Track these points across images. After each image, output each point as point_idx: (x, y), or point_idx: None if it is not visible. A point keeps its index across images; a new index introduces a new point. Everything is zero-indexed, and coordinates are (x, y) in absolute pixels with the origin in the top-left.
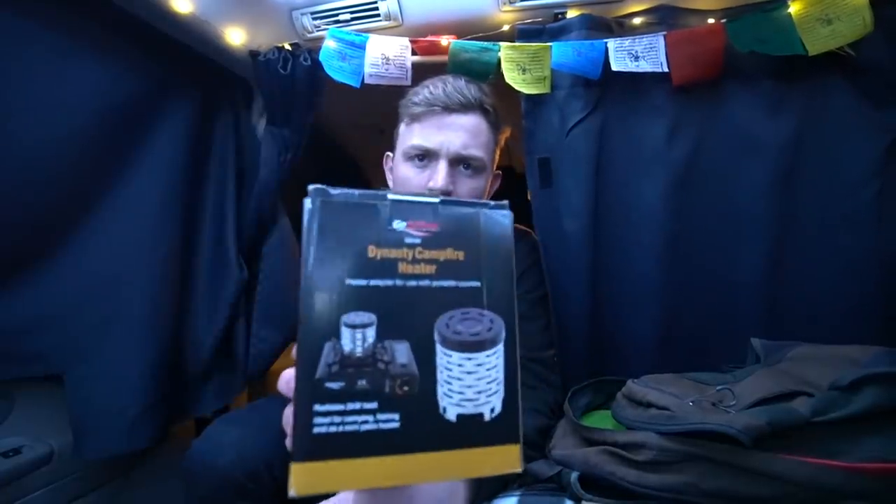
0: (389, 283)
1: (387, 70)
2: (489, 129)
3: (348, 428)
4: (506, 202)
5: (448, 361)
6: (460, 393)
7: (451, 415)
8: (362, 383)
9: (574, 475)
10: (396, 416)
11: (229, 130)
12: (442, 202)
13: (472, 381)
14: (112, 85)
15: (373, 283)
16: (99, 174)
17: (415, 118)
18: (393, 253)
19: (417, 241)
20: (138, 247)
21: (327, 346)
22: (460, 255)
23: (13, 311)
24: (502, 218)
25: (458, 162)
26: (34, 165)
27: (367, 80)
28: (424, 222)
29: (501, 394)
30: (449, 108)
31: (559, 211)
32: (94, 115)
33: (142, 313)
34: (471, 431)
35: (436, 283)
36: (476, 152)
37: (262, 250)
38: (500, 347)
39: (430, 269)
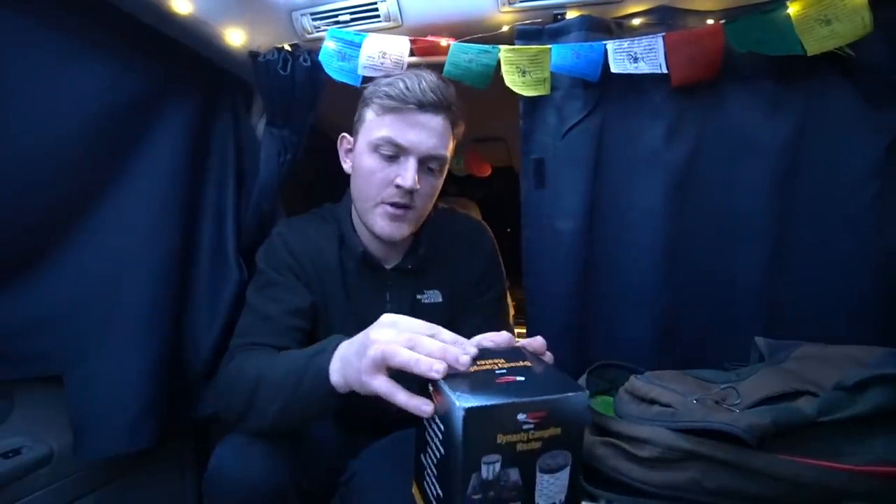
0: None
1: (382, 64)
2: (450, 128)
3: None
4: (584, 392)
5: (543, 479)
6: (547, 493)
7: None
8: (491, 494)
9: None
10: None
11: (229, 131)
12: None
13: (552, 487)
14: (112, 86)
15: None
16: (99, 175)
17: (387, 110)
18: (514, 438)
19: (531, 426)
20: (138, 247)
21: (473, 476)
22: (558, 430)
23: (13, 312)
24: (581, 399)
25: (426, 161)
26: (34, 166)
27: (360, 72)
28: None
29: (566, 491)
30: (423, 105)
31: (552, 211)
32: (93, 116)
33: (142, 313)
34: None
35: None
36: (443, 152)
37: None
38: (568, 468)
39: (538, 444)
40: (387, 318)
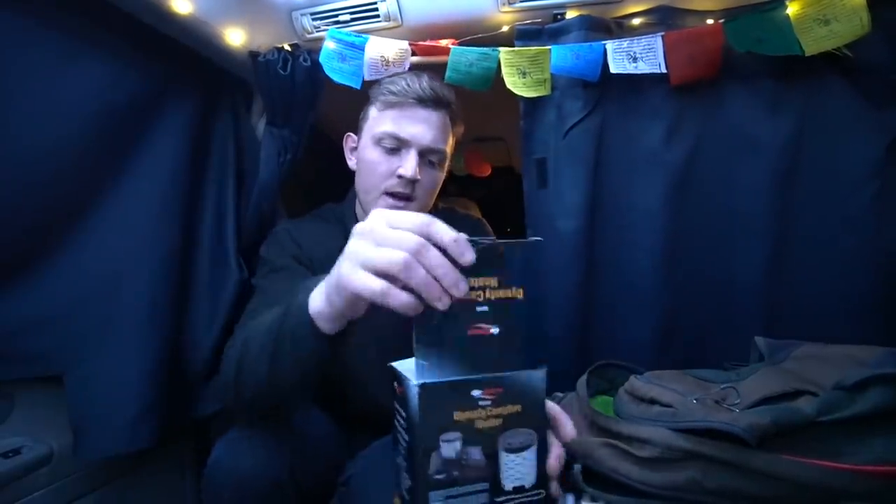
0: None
1: (387, 70)
2: (450, 126)
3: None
4: (541, 370)
5: (507, 458)
6: (513, 475)
7: (509, 486)
8: (455, 474)
9: (577, 468)
10: (486, 485)
11: (229, 131)
12: (505, 376)
13: (519, 468)
14: (112, 86)
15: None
16: (99, 174)
17: (389, 106)
18: (472, 415)
19: (488, 402)
20: (138, 247)
21: (434, 454)
22: (518, 407)
23: (13, 311)
24: (538, 377)
25: (426, 154)
26: (34, 166)
27: (366, 78)
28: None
29: (534, 472)
30: (423, 101)
31: (554, 211)
32: (93, 116)
33: (142, 313)
34: (520, 494)
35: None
36: (442, 146)
37: None
38: (534, 448)
39: (498, 422)
40: (360, 227)
